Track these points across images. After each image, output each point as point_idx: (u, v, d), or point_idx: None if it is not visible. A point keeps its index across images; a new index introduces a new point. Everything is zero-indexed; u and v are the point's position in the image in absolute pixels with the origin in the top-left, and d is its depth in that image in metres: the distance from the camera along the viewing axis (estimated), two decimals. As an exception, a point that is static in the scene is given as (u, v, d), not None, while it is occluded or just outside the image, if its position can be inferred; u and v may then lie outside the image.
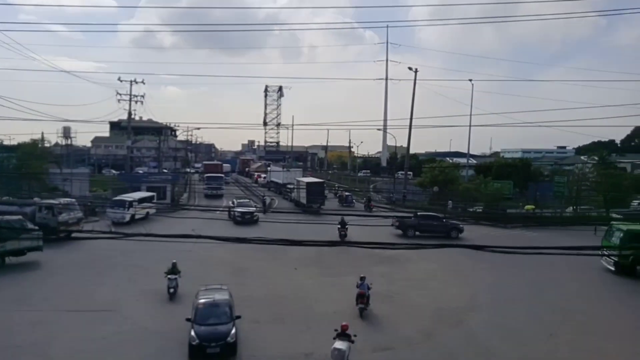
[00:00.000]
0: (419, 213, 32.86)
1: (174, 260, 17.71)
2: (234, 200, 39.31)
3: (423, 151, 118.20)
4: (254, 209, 35.72)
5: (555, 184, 41.13)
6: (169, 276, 17.41)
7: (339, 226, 28.22)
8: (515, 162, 52.34)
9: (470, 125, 49.75)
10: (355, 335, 12.17)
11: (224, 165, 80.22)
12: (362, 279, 16.42)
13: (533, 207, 40.42)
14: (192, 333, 12.59)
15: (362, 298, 16.15)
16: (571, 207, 40.57)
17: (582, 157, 69.47)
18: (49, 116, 55.21)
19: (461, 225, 30.77)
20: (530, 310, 17.23)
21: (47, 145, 63.25)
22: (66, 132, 64.73)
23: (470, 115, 50.95)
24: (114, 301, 16.77)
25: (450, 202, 43.18)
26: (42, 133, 67.83)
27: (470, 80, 52.38)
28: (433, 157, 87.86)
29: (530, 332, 15.14)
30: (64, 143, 67.09)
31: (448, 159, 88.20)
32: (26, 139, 52.65)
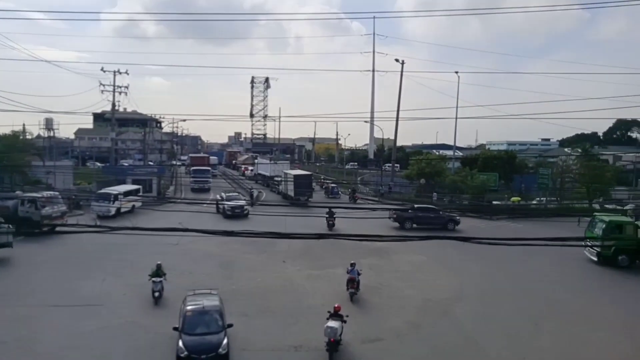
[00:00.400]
0: (415, 205, 32.82)
1: (159, 262, 16.26)
2: (223, 193, 38.53)
3: (410, 143, 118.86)
4: (244, 202, 35.15)
5: (539, 176, 41.68)
6: (153, 279, 15.88)
7: (327, 216, 28.57)
8: (500, 154, 52.88)
9: (456, 118, 50.09)
10: (347, 316, 13.14)
11: (211, 157, 77.49)
12: (352, 265, 17.24)
13: (519, 199, 40.96)
14: (180, 344, 11.58)
15: (353, 283, 16.99)
16: (556, 199, 41.22)
17: (565, 150, 70.55)
18: (30, 107, 53.93)
19: (458, 218, 31.04)
20: (515, 300, 17.53)
21: (28, 137, 62.23)
22: (48, 124, 63.43)
23: (457, 107, 51.19)
24: (100, 296, 16.62)
25: (435, 194, 43.64)
26: (24, 125, 66.50)
27: (457, 72, 52.40)
28: (420, 150, 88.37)
29: (515, 322, 15.42)
30: (46, 135, 65.85)
31: (435, 151, 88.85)
32: (7, 130, 51.57)
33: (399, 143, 65.64)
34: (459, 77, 52.67)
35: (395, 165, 55.98)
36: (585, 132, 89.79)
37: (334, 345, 12.47)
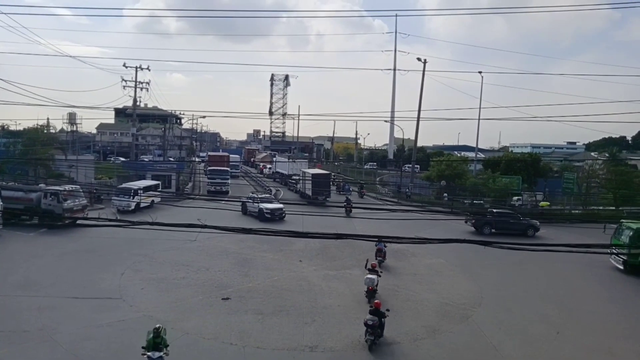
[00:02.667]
0: (495, 210, 32.04)
1: (158, 325, 10.99)
2: (255, 193, 36.67)
3: (431, 144, 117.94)
4: (282, 205, 33.12)
5: (564, 180, 40.70)
6: (148, 354, 10.48)
7: (345, 203, 30.55)
8: (524, 157, 51.83)
9: (479, 119, 49.14)
10: (382, 272, 17.64)
11: (233, 156, 72.43)
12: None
13: (548, 203, 39.97)
14: None
15: (380, 252, 20.47)
16: (581, 204, 40.20)
17: (592, 154, 68.83)
18: (55, 102, 55.31)
19: (538, 224, 30.15)
20: (537, 307, 17.07)
21: (52, 131, 63.46)
22: (71, 118, 64.67)
23: (480, 108, 50.32)
24: (119, 289, 16.77)
25: (445, 194, 43.35)
26: (48, 119, 68.01)
27: (480, 72, 51.58)
28: (441, 151, 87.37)
29: (536, 329, 15.00)
30: (69, 129, 67.18)
31: (456, 152, 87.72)
32: (32, 124, 52.73)
33: (420, 144, 65.00)
34: (482, 77, 51.87)
35: (415, 166, 55.36)
36: (613, 135, 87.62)
37: (372, 292, 16.54)
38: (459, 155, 77.01)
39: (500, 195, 39.66)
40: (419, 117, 47.71)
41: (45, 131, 51.99)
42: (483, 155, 70.96)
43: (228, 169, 50.25)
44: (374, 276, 16.70)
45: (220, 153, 76.19)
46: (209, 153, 79.10)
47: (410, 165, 56.40)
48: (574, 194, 39.66)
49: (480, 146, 62.34)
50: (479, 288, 18.99)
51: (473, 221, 30.42)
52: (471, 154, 71.15)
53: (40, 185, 30.45)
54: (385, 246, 20.63)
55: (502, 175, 43.29)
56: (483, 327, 14.93)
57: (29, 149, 43.70)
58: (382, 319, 13.24)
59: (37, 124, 51.76)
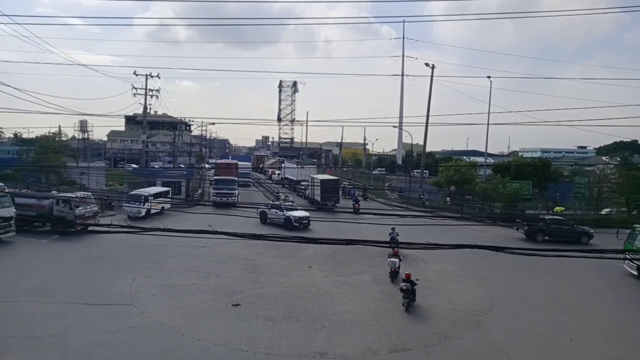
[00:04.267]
0: (547, 217, 31.49)
1: None
2: (280, 201, 35.28)
3: (439, 149, 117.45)
4: (308, 213, 31.86)
5: (575, 185, 40.31)
6: None
7: (354, 201, 32.71)
8: (534, 162, 51.43)
9: (488, 124, 49.02)
10: (402, 256, 20.66)
11: (243, 164, 68.83)
12: (393, 229, 23.15)
13: (562, 208, 39.56)
14: None
15: (393, 240, 21.62)
16: (592, 209, 39.74)
17: (603, 158, 68.12)
18: (66, 109, 56.07)
19: (592, 231, 29.50)
20: (549, 314, 16.88)
21: (64, 138, 64.32)
22: (83, 126, 65.63)
23: (489, 113, 50.08)
24: (130, 295, 16.87)
25: (448, 198, 43.33)
26: (59, 126, 68.91)
27: (489, 77, 51.87)
28: (450, 156, 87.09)
29: (549, 336, 14.83)
30: (80, 137, 68.05)
31: (465, 157, 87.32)
32: (44, 132, 53.48)
33: (428, 149, 64.75)
34: (491, 81, 51.68)
35: (424, 171, 55.20)
36: (625, 139, 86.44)
37: (394, 273, 19.27)
38: (468, 160, 76.66)
39: (510, 201, 39.33)
40: (427, 123, 47.68)
41: (57, 139, 52.60)
42: (492, 160, 70.55)
43: (235, 178, 45.45)
44: (395, 259, 19.67)
45: (229, 160, 71.33)
46: (217, 161, 73.41)
47: (419, 171, 56.19)
48: (586, 199, 39.23)
49: (489, 151, 62.00)
50: (490, 294, 18.84)
51: (525, 228, 29.78)
52: (480, 159, 70.82)
53: (52, 192, 30.82)
54: (397, 234, 23.04)
55: (512, 180, 42.97)
56: (495, 334, 14.79)
57: (41, 157, 44.31)
58: (414, 286, 16.49)
59: (49, 132, 52.48)
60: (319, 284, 19.24)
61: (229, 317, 15.21)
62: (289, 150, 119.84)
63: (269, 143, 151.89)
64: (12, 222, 24.27)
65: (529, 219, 32.12)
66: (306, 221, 31.17)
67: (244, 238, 12.13)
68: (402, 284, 16.53)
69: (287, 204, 34.73)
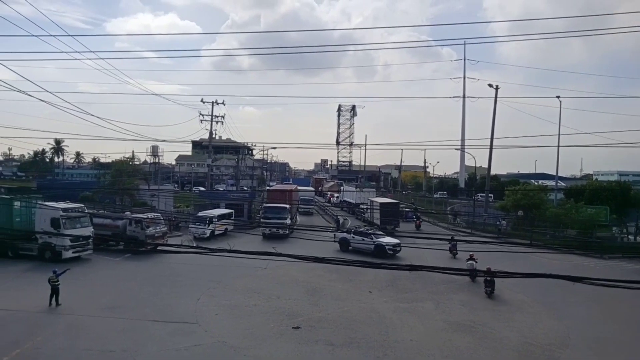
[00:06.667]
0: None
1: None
2: (365, 227, 33.58)
3: (505, 172, 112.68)
4: (398, 240, 30.02)
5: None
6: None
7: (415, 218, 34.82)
8: (611, 186, 47.72)
9: (558, 145, 46.38)
10: (477, 259, 22.84)
11: (305, 188, 63.87)
12: (471, 256, 23.49)
13: None
14: None
15: (472, 266, 22.75)
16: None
17: (690, 181, 62.02)
18: (140, 136, 59.95)
19: None
20: (632, 352, 15.36)
21: (137, 162, 68.75)
22: (154, 151, 69.77)
23: (559, 134, 47.44)
24: (195, 314, 17.38)
25: (504, 223, 41.22)
26: (133, 151, 73.78)
27: (558, 97, 49.04)
28: (516, 179, 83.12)
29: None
30: (152, 161, 72.34)
31: (533, 181, 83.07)
32: (119, 157, 57.52)
33: (493, 172, 62.31)
34: (560, 101, 49.25)
35: (489, 195, 53.04)
36: None
37: (473, 272, 19.88)
38: (536, 183, 72.88)
39: (586, 227, 36.63)
40: (491, 145, 46.01)
41: (130, 163, 56.33)
42: (564, 184, 66.47)
43: (287, 206, 38.79)
44: (472, 261, 22.95)
45: (282, 187, 61.35)
46: (268, 188, 63.25)
47: (483, 195, 54.07)
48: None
49: (560, 174, 58.51)
50: (565, 327, 17.49)
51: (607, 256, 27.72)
52: (550, 183, 67.02)
53: (126, 213, 32.81)
54: (476, 261, 23.45)
55: (587, 205, 40.11)
56: (573, 372, 13.65)
57: (116, 180, 47.57)
58: (493, 279, 20.17)
59: (124, 157, 56.39)
60: (379, 310, 18.82)
61: (289, 340, 15.20)
62: (347, 174, 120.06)
63: (328, 166, 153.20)
64: (90, 240, 26.05)
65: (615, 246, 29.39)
66: (398, 248, 29.48)
67: (306, 261, 12.18)
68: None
69: (378, 232, 32.37)
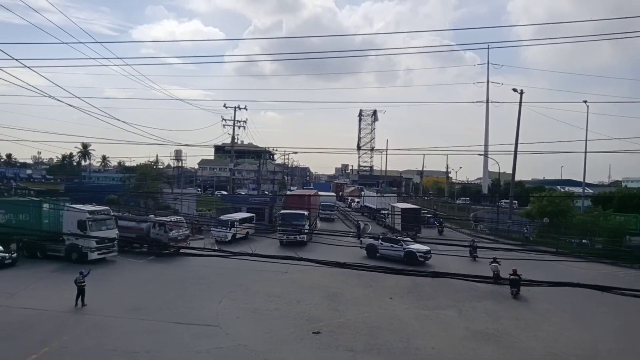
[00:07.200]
0: None
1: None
2: (395, 235, 32.71)
3: (529, 178, 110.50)
4: (429, 247, 28.64)
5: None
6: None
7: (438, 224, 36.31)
8: (642, 193, 46.23)
9: (585, 151, 45.21)
10: (500, 262, 22.15)
11: (326, 194, 60.09)
12: (494, 258, 22.95)
13: None
14: None
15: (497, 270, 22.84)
16: None
17: None
18: (164, 140, 61.09)
19: None
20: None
21: (161, 166, 70.09)
22: (178, 155, 70.88)
23: (586, 140, 46.31)
24: (217, 317, 17.52)
25: (527, 229, 40.61)
26: (157, 155, 75.14)
27: (585, 101, 48.04)
28: (541, 185, 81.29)
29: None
30: (175, 165, 73.50)
31: (559, 187, 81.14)
32: (144, 161, 58.72)
33: (518, 177, 61.16)
34: (587, 106, 48.16)
35: (513, 202, 52.00)
36: None
37: (497, 275, 21.40)
38: (562, 190, 71.22)
39: (615, 235, 35.53)
40: (516, 150, 45.24)
41: (154, 167, 57.38)
42: (591, 191, 64.72)
43: (305, 212, 36.78)
44: (496, 264, 22.75)
45: (300, 192, 59.47)
46: (287, 194, 58.31)
47: (507, 201, 53.07)
48: None
49: (587, 180, 57.04)
50: (592, 338, 16.98)
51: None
52: (576, 189, 65.34)
53: (150, 216, 33.39)
54: (499, 264, 22.74)
55: (616, 213, 38.93)
56: (601, 385, 13.23)
57: (141, 183, 48.52)
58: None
59: (148, 161, 57.51)
60: (400, 317, 18.63)
61: (309, 345, 15.18)
62: (368, 179, 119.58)
63: (348, 171, 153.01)
64: (115, 242, 26.61)
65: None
66: (429, 255, 28.79)
67: (326, 265, 12.16)
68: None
69: (406, 239, 31.59)
